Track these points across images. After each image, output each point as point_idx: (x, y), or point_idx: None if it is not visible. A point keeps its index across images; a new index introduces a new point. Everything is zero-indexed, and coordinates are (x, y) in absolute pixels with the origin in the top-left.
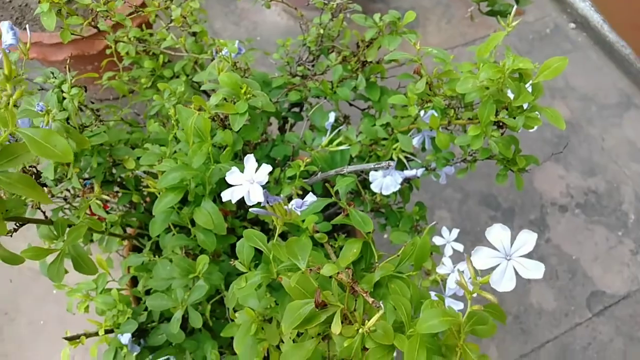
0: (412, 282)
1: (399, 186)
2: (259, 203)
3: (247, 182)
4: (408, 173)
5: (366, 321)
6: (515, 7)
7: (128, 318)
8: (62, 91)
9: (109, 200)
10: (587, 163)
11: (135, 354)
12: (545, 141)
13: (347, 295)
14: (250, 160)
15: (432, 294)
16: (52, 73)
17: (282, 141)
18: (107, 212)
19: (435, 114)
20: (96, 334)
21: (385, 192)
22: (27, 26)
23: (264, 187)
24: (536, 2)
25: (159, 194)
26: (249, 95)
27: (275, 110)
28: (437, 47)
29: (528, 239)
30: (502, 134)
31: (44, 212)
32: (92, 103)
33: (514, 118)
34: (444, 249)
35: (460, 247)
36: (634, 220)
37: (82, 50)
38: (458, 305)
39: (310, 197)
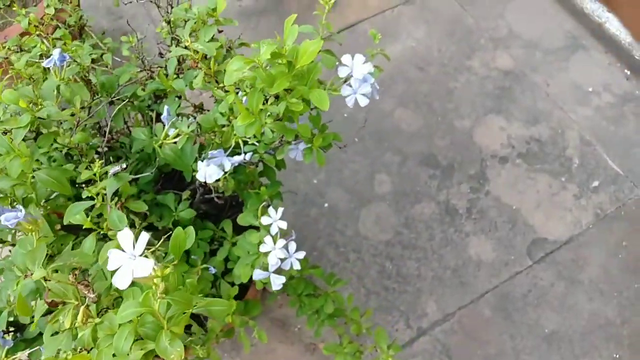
0: (176, 271)
1: (222, 173)
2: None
3: None
4: (236, 158)
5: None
6: None
7: None
8: None
9: None
10: (530, 111)
11: (7, 347)
12: (486, 95)
13: (78, 294)
14: None
15: (258, 271)
16: None
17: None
18: None
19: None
20: None
21: (209, 181)
22: None
23: None
24: None
25: None
26: (39, 107)
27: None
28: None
29: (143, 239)
30: (278, 120)
31: None
32: None
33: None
34: (270, 227)
35: (284, 225)
36: (578, 164)
37: None
38: (281, 280)
39: (21, 212)
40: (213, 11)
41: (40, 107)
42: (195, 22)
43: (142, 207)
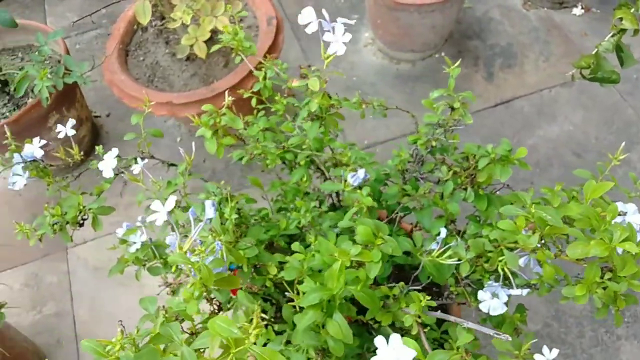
0: None
1: (505, 308)
2: None
3: None
4: (514, 292)
5: None
6: None
7: None
8: (223, 213)
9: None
10: None
11: None
12: None
13: None
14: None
15: None
16: (213, 192)
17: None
18: None
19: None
20: None
21: (492, 313)
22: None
23: None
24: None
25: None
26: (380, 241)
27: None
28: (550, 189)
29: None
30: (604, 288)
31: None
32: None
33: (618, 282)
34: None
35: None
36: None
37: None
38: None
39: None
40: (509, 152)
41: (381, 242)
42: (490, 161)
43: None
